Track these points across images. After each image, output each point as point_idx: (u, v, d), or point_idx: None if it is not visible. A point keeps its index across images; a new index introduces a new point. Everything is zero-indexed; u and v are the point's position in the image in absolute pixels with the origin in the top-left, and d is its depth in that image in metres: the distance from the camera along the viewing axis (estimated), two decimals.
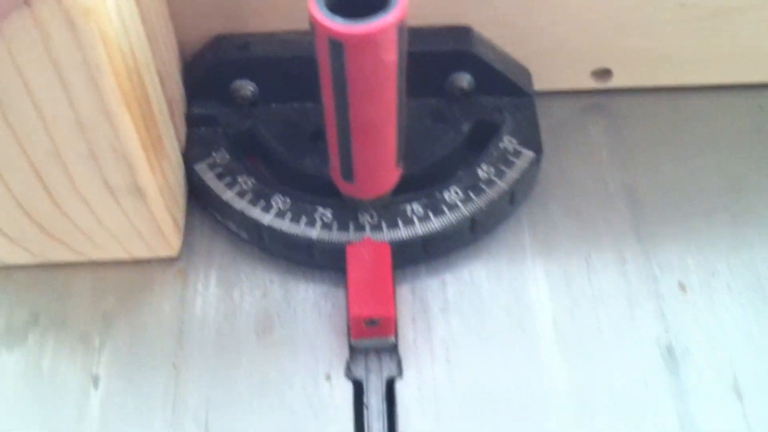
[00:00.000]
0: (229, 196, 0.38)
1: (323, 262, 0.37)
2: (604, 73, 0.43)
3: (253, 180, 0.38)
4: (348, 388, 0.34)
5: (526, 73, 0.42)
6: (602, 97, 0.43)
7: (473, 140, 0.40)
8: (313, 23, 0.28)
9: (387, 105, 0.31)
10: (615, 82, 0.43)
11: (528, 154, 0.39)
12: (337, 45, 0.28)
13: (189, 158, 0.39)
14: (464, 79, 0.40)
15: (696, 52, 0.41)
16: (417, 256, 0.38)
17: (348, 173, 0.35)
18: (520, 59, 0.42)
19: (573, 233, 0.39)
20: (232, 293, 0.37)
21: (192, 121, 0.40)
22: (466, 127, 0.40)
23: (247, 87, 0.40)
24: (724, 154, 0.41)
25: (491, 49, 0.40)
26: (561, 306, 0.36)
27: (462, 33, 0.40)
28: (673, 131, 0.42)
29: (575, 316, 0.36)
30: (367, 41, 0.28)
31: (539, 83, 0.42)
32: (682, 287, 0.37)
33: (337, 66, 0.29)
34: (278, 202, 0.37)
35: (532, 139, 0.40)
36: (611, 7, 0.39)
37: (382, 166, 0.35)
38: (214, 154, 0.39)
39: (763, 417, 0.33)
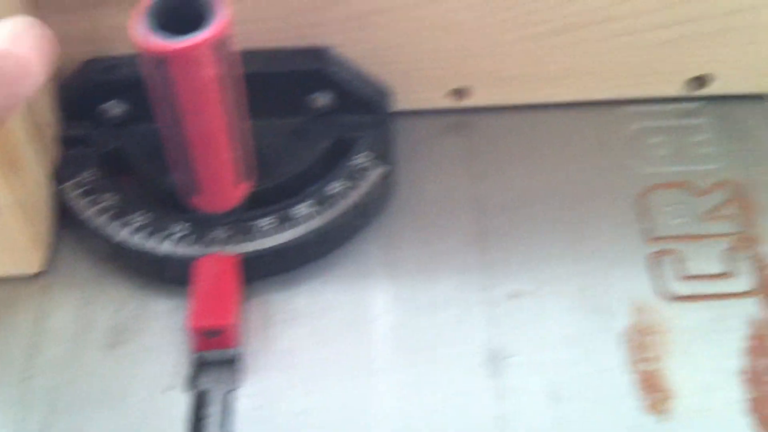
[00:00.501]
0: (91, 213, 0.40)
1: (176, 276, 0.39)
2: (461, 93, 0.45)
3: (118, 198, 0.40)
4: (186, 401, 0.36)
5: (384, 92, 0.44)
6: (461, 116, 0.46)
7: (332, 157, 0.42)
8: (135, 40, 0.30)
9: (215, 119, 0.34)
10: (472, 101, 0.45)
11: (379, 169, 0.41)
12: (158, 61, 0.31)
13: (59, 178, 0.41)
14: (323, 98, 0.42)
15: (546, 72, 0.44)
16: (268, 270, 0.40)
17: (191, 188, 0.37)
18: (380, 78, 0.44)
19: (420, 246, 0.41)
20: (88, 308, 0.39)
21: (66, 142, 0.42)
22: (324, 144, 0.42)
23: (116, 108, 0.42)
24: (570, 168, 0.44)
25: (348, 69, 0.43)
26: (401, 316, 0.39)
27: (319, 54, 0.42)
28: (526, 147, 0.45)
29: (412, 326, 0.38)
30: (185, 56, 0.31)
31: (401, 102, 0.45)
32: (514, 295, 0.39)
33: (162, 81, 0.32)
34: (139, 219, 0.40)
35: (384, 156, 0.42)
36: (466, 30, 0.41)
37: (222, 181, 0.37)
38: (83, 173, 0.41)
39: (577, 421, 0.35)
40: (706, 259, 0.41)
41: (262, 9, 0.40)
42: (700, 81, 0.45)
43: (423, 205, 0.43)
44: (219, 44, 0.31)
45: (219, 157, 0.35)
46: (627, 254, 0.41)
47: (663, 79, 0.45)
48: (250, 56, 0.41)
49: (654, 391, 0.36)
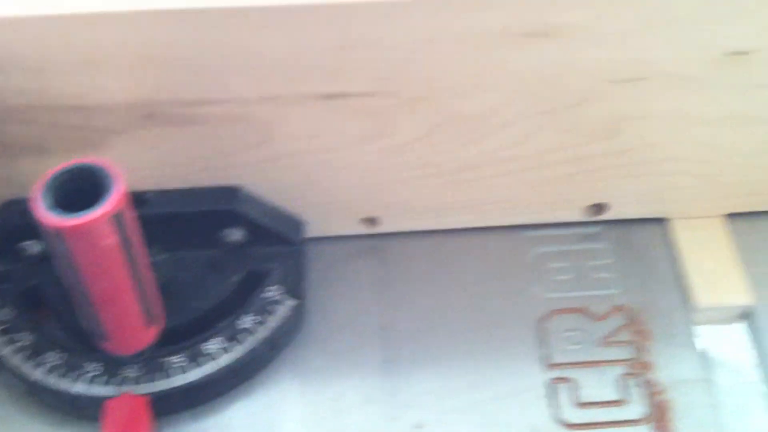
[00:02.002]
0: (7, 352, 0.41)
1: (90, 415, 0.40)
2: (372, 220, 0.47)
3: (33, 337, 0.42)
4: None
5: (296, 224, 0.46)
6: (373, 241, 0.48)
7: (244, 289, 0.44)
8: (35, 216, 0.32)
9: (119, 280, 0.36)
10: (383, 228, 0.48)
11: (290, 302, 0.43)
12: (57, 234, 0.32)
13: None
14: (236, 233, 0.44)
15: (449, 202, 0.46)
16: (179, 405, 0.41)
17: (99, 335, 0.38)
18: (292, 210, 0.46)
19: (330, 376, 0.43)
20: None
21: None
22: (236, 278, 0.44)
23: (34, 247, 0.44)
24: (475, 293, 0.46)
25: (260, 205, 0.45)
26: None
27: (232, 193, 0.44)
28: (433, 271, 0.47)
29: None
30: (82, 231, 0.32)
31: (313, 230, 0.47)
32: (418, 426, 0.41)
33: (62, 251, 0.33)
34: (53, 358, 0.41)
35: (296, 288, 0.44)
36: (369, 170, 0.44)
37: (130, 329, 0.39)
38: (1, 311, 0.43)
39: None
40: (600, 386, 0.43)
41: (178, 153, 0.42)
42: (598, 208, 0.48)
43: (333, 332, 0.45)
44: (115, 216, 0.33)
45: (125, 311, 0.37)
46: (527, 381, 0.43)
47: (563, 206, 0.47)
48: (165, 196, 0.43)
49: None
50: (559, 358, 0.44)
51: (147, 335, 0.40)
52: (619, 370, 0.43)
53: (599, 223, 0.49)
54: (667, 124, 0.43)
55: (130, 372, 0.40)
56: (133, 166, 0.38)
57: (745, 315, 0.46)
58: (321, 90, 0.39)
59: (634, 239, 0.48)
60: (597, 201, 0.47)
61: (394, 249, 0.48)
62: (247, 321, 0.42)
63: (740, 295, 0.46)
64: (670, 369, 0.43)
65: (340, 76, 0.39)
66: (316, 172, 0.44)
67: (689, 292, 0.46)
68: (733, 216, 0.49)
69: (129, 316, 0.38)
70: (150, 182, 0.43)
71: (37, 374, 0.40)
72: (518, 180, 0.45)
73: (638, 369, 0.43)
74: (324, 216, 0.47)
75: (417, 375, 0.43)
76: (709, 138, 0.44)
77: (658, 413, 0.41)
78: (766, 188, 0.47)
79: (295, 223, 0.46)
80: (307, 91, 0.39)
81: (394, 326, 0.45)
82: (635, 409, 0.42)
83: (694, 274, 0.46)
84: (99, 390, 0.40)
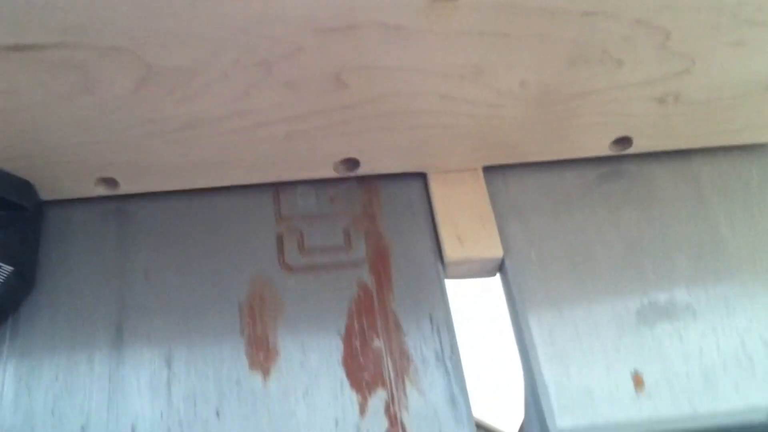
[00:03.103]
0: None
1: None
2: (109, 181, 0.45)
3: None
4: None
5: (21, 186, 0.44)
6: (117, 203, 0.46)
7: None
8: None
9: None
10: (122, 189, 0.46)
11: (7, 268, 0.41)
12: None
13: None
14: None
15: (185, 162, 0.44)
16: None
17: None
18: (19, 173, 0.43)
19: (53, 338, 0.41)
20: None
21: None
22: None
23: None
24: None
25: None
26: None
27: None
28: (175, 232, 0.45)
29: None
30: None
31: (48, 193, 0.45)
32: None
33: None
34: None
35: (17, 253, 0.42)
36: (97, 126, 0.41)
37: None
38: None
39: (188, 380, 0.40)
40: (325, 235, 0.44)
41: None
42: (351, 163, 0.47)
43: (63, 300, 0.43)
44: None
45: None
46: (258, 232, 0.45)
47: (313, 163, 0.46)
48: None
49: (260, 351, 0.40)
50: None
51: None
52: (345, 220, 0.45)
53: (352, 180, 0.47)
54: (396, 76, 0.41)
55: None
56: None
57: (497, 268, 0.46)
58: (7, 42, 0.37)
59: (395, 195, 0.48)
60: (348, 156, 0.46)
61: (138, 211, 0.46)
62: None
63: (490, 250, 0.45)
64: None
65: (26, 26, 0.36)
66: (33, 131, 0.41)
67: (441, 247, 0.45)
68: (489, 169, 0.48)
69: None
70: None
71: None
72: (252, 137, 0.43)
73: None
74: (55, 178, 0.44)
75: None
76: (446, 90, 0.43)
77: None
78: (513, 140, 0.46)
79: (20, 186, 0.44)
80: None
81: (130, 290, 0.43)
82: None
83: (444, 230, 0.46)
84: None
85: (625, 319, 0.43)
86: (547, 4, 0.38)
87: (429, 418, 0.39)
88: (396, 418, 0.40)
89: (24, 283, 0.42)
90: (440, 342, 0.42)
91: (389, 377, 0.41)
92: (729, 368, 0.42)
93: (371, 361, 0.41)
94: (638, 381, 0.41)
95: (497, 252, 0.45)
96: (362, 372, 0.41)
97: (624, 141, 0.48)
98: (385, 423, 0.39)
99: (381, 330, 0.42)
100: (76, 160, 0.43)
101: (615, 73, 0.43)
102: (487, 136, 0.46)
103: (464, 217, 0.46)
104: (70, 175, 0.44)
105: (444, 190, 0.47)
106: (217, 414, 0.39)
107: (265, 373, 0.41)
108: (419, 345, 0.42)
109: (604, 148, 0.48)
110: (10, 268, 0.41)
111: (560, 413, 0.40)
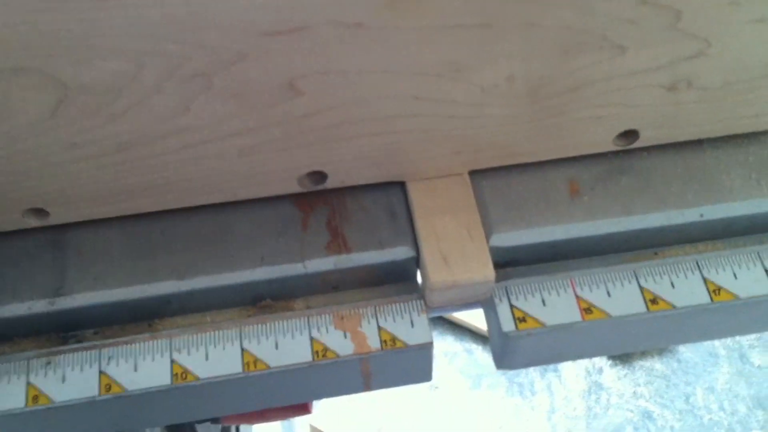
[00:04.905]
0: None
1: None
2: (39, 212, 0.40)
3: None
4: None
5: None
6: (53, 234, 0.41)
7: None
8: None
9: None
10: (54, 219, 0.40)
11: None
12: None
13: None
14: None
15: (124, 185, 0.39)
16: None
17: None
18: None
19: None
20: None
21: None
22: None
23: None
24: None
25: None
26: None
27: None
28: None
29: None
30: None
31: None
32: None
33: None
34: None
35: None
36: (8, 152, 0.35)
37: None
38: None
39: None
40: None
41: None
42: (318, 176, 0.41)
43: None
44: None
45: None
46: None
47: (273, 180, 0.40)
48: None
49: None
50: None
51: None
52: None
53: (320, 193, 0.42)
54: (359, 80, 0.35)
55: None
56: None
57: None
58: None
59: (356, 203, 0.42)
60: (313, 169, 0.40)
61: (75, 241, 0.40)
62: None
63: (477, 273, 0.40)
64: None
65: None
66: None
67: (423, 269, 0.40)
68: (475, 174, 0.42)
69: None
70: None
71: None
72: (199, 156, 0.37)
73: None
74: None
75: None
76: (420, 91, 0.36)
77: None
78: (501, 141, 0.40)
79: None
80: None
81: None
82: None
83: (426, 248, 0.40)
84: None
85: None
86: None
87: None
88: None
89: None
90: None
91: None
92: None
93: None
94: None
95: (488, 273, 0.40)
96: None
97: (630, 134, 0.42)
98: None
99: None
100: (6, 190, 0.38)
101: (617, 60, 0.37)
102: (470, 138, 0.40)
103: (448, 228, 0.41)
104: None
105: (425, 198, 0.41)
106: None
107: None
108: None
109: (607, 144, 0.42)
110: None
111: None
